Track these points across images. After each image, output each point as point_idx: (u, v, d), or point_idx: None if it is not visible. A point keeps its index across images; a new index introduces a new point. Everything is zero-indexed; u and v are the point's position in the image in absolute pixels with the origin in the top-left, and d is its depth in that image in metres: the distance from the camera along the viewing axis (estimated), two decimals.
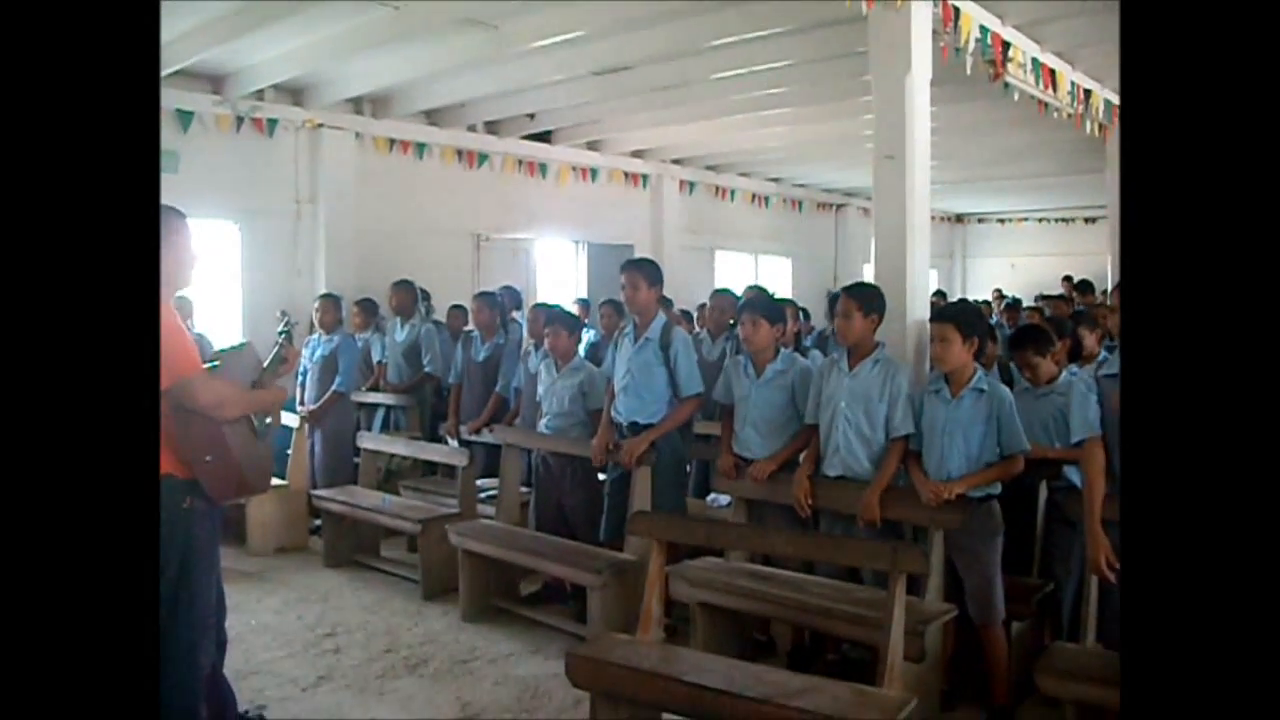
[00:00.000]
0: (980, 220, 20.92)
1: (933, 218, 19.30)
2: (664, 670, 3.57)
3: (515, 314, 8.39)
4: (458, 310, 8.79)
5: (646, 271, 5.32)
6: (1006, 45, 6.59)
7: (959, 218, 20.92)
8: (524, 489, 6.15)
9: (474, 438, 6.77)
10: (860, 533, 4.30)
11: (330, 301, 7.79)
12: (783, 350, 4.90)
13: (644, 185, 13.09)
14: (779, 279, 15.96)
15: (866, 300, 4.53)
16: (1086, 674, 3.53)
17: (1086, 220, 18.03)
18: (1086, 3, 6.43)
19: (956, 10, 5.77)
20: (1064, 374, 4.72)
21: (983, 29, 6.20)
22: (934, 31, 5.57)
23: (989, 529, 4.19)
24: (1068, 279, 13.10)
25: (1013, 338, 5.22)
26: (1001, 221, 20.62)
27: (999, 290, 16.47)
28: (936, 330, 4.29)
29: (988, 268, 20.36)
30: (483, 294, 7.47)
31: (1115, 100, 8.89)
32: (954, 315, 4.38)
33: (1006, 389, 4.36)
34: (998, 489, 4.26)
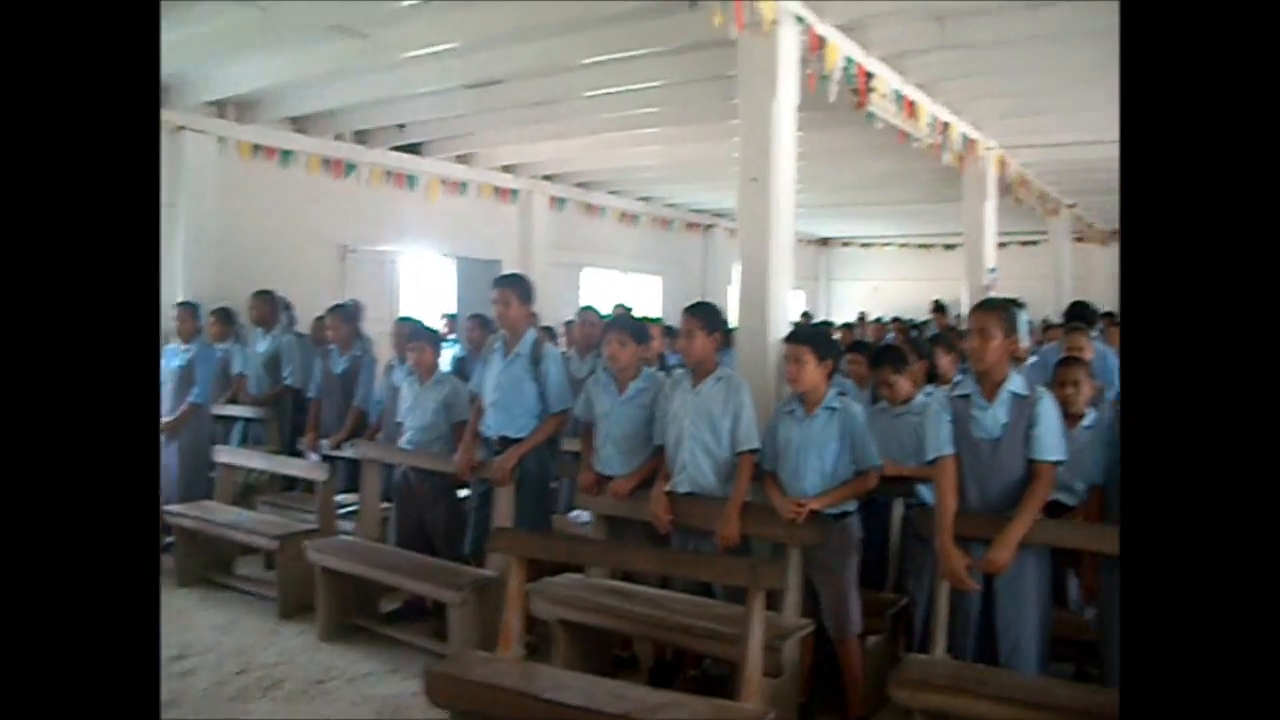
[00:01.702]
0: (845, 244, 21.45)
1: (798, 240, 19.66)
2: (524, 688, 3.56)
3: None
4: (321, 322, 8.62)
5: (519, 288, 5.31)
6: (870, 75, 6.77)
7: (824, 241, 21.41)
8: (384, 504, 6.05)
9: (334, 452, 6.63)
10: (713, 548, 4.35)
11: (187, 310, 7.53)
12: (645, 369, 4.93)
13: (514, 200, 13.05)
14: (648, 297, 16.09)
15: (708, 319, 4.59)
16: (935, 684, 3.63)
17: (946, 247, 18.62)
18: (947, 38, 6.65)
19: (823, 39, 5.91)
20: (920, 394, 4.87)
21: (848, 59, 6.36)
22: (801, 59, 5.69)
23: (845, 545, 4.29)
24: (937, 303, 13.53)
25: (871, 357, 5.36)
26: (865, 246, 21.18)
27: (863, 313, 16.91)
28: (791, 351, 4.38)
29: (851, 290, 20.90)
30: (338, 307, 7.32)
31: (973, 134, 9.23)
32: (808, 337, 4.48)
33: (859, 407, 4.47)
34: (853, 506, 4.36)
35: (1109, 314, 12.59)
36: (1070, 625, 4.23)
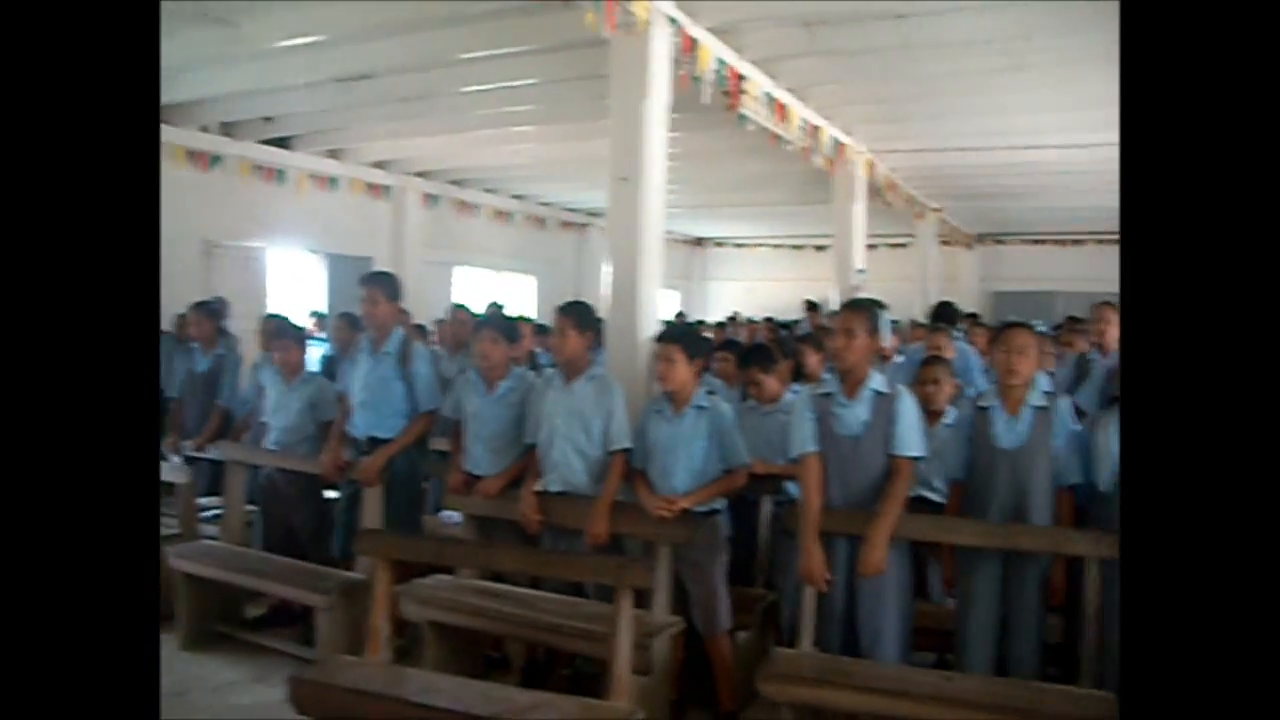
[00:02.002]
0: (719, 244, 21.68)
1: (673, 240, 19.90)
2: (391, 692, 3.50)
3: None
4: (184, 319, 8.34)
5: (385, 286, 5.23)
6: (742, 78, 6.86)
7: (699, 241, 21.60)
8: (250, 507, 5.90)
9: (197, 454, 6.43)
10: (584, 548, 4.36)
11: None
12: (514, 368, 4.91)
13: (386, 197, 12.85)
14: (522, 296, 16.02)
15: (580, 318, 4.59)
16: (802, 677, 3.71)
17: (817, 248, 18.96)
18: (816, 44, 6.78)
19: (695, 41, 5.96)
20: (788, 393, 4.95)
21: (720, 61, 6.44)
22: (674, 60, 5.74)
23: (713, 543, 4.33)
24: (809, 302, 13.74)
25: (740, 357, 5.43)
26: (739, 246, 21.43)
27: (736, 312, 17.10)
28: (661, 350, 4.40)
29: (726, 290, 21.11)
30: (201, 304, 7.10)
31: (842, 138, 9.42)
32: (678, 336, 4.51)
33: (727, 406, 4.52)
34: (722, 504, 4.42)
35: (973, 315, 13.00)
36: (931, 615, 4.34)
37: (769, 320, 13.79)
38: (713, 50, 6.27)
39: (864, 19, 6.53)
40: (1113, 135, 9.43)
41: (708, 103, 6.47)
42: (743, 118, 7.37)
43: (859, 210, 10.24)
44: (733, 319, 15.27)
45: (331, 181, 11.81)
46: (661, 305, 5.55)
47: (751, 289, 20.59)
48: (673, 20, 5.63)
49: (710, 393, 4.55)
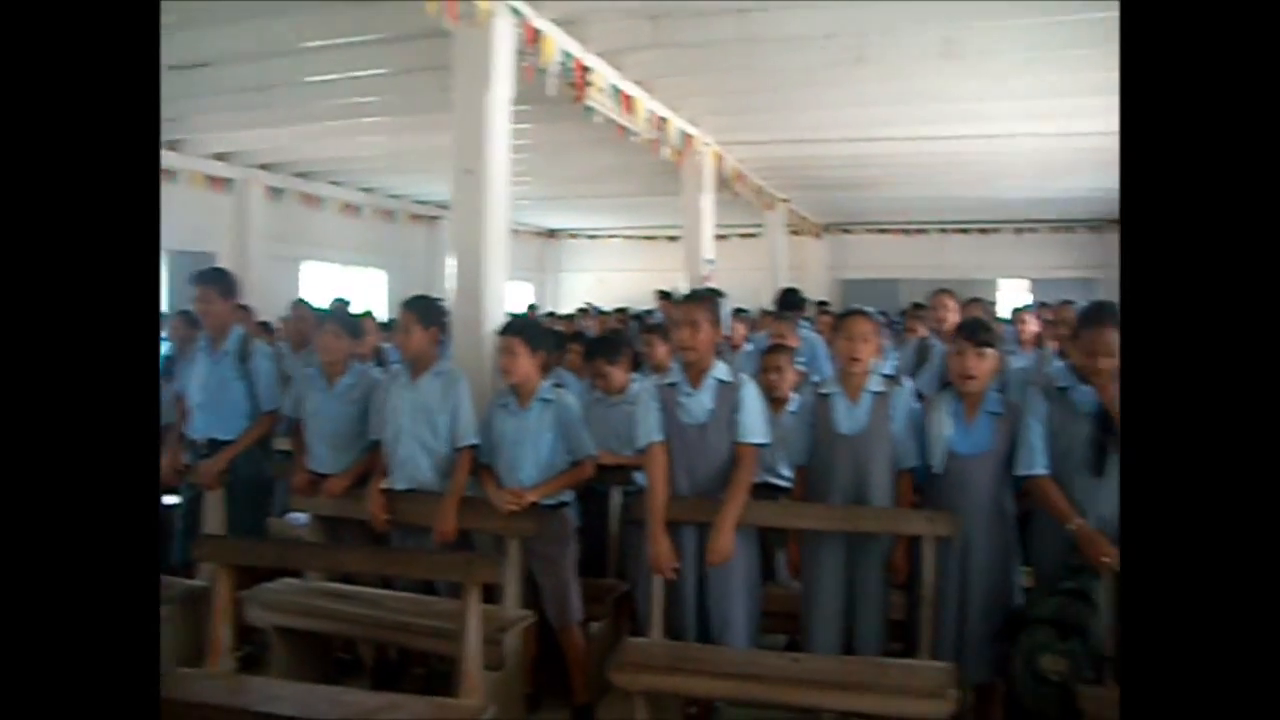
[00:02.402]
0: (572, 236, 21.67)
1: (526, 232, 19.79)
2: (233, 702, 3.41)
3: None
4: None
5: (219, 284, 5.08)
6: (587, 70, 6.85)
7: (551, 233, 21.54)
8: None
9: None
10: (433, 545, 4.31)
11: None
12: (355, 364, 4.82)
13: (228, 190, 12.40)
14: (373, 292, 15.72)
15: (425, 312, 4.54)
16: (653, 665, 3.74)
17: (669, 239, 19.06)
18: (660, 37, 6.82)
19: (539, 33, 5.94)
20: (634, 383, 4.99)
21: (565, 53, 6.42)
22: (518, 52, 5.70)
23: (562, 535, 4.34)
24: (660, 292, 13.81)
25: (585, 348, 5.44)
26: (592, 238, 21.45)
27: (589, 303, 17.11)
28: (503, 343, 4.39)
29: (579, 281, 21.10)
30: None
31: (689, 129, 9.50)
32: (520, 329, 4.49)
33: (572, 398, 4.53)
34: (570, 496, 4.42)
35: (822, 303, 13.28)
36: (780, 599, 4.43)
37: (619, 311, 13.83)
38: (557, 42, 6.24)
39: (707, 12, 6.60)
40: (947, 128, 9.82)
41: (554, 95, 6.46)
42: (589, 110, 7.37)
43: (707, 201, 10.35)
44: (584, 310, 15.27)
45: (169, 174, 11.34)
46: (511, 298, 5.52)
47: (605, 280, 20.62)
48: (516, 11, 5.60)
49: (557, 385, 4.55)
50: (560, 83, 6.49)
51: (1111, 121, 9.42)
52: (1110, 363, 3.65)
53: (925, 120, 9.58)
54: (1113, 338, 3.64)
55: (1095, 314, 3.79)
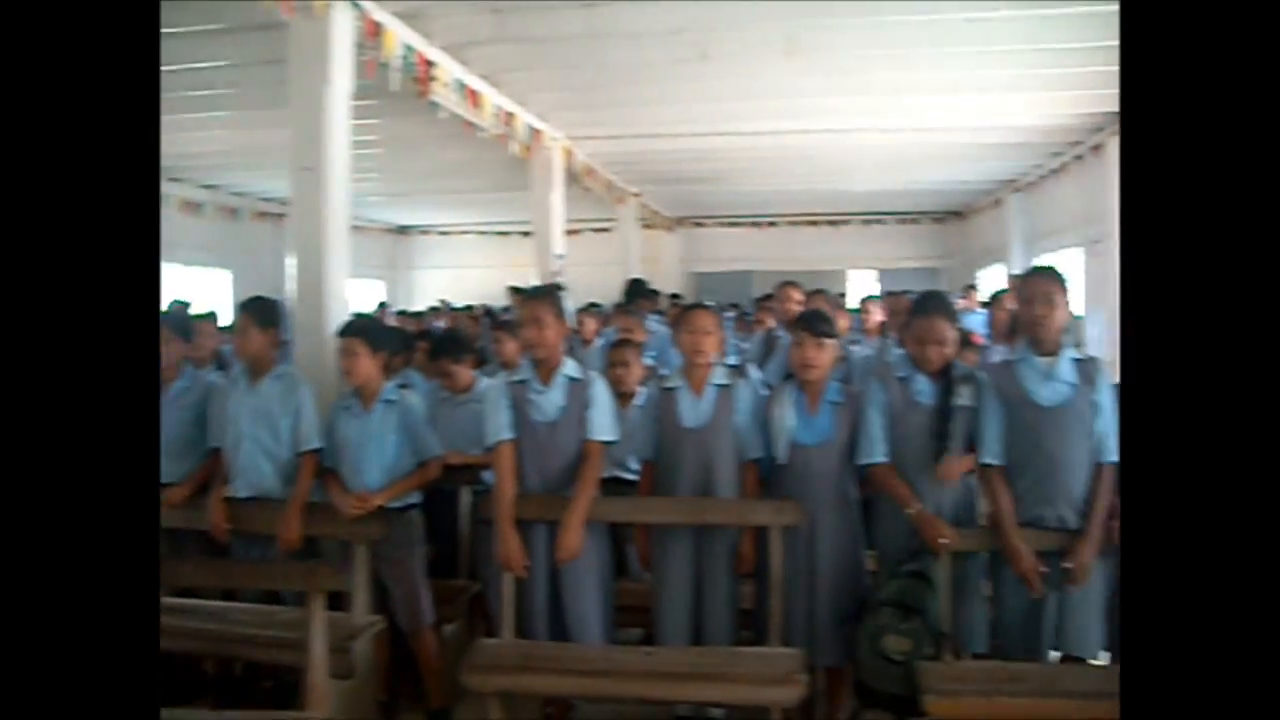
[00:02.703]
0: (424, 232, 21.31)
1: (375, 229, 19.37)
2: None
3: None
4: None
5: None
6: (431, 64, 6.75)
7: (403, 229, 21.18)
8: None
9: None
10: (278, 554, 4.18)
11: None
12: (188, 368, 4.65)
13: None
14: (217, 292, 15.20)
15: (262, 314, 4.41)
16: (505, 666, 3.71)
17: (523, 234, 18.90)
18: (505, 30, 6.75)
19: (379, 26, 5.82)
20: (481, 381, 4.94)
21: (407, 47, 6.31)
22: (358, 45, 5.58)
23: (410, 538, 4.27)
24: (513, 288, 13.71)
25: (432, 347, 5.35)
26: (444, 234, 21.14)
27: (443, 300, 16.89)
28: (344, 345, 4.28)
29: (432, 279, 20.79)
30: None
31: (538, 124, 9.45)
32: (360, 329, 4.37)
33: (417, 398, 4.46)
34: (417, 498, 4.36)
35: (675, 296, 13.37)
36: (634, 593, 4.44)
37: (469, 309, 13.66)
38: (399, 35, 6.14)
39: (553, 6, 6.55)
40: (793, 123, 10.00)
41: (397, 90, 6.35)
42: (435, 105, 7.27)
43: (557, 197, 10.31)
44: (436, 308, 15.06)
45: None
46: (358, 297, 5.39)
47: (459, 276, 20.36)
48: (355, 3, 5.47)
49: (402, 385, 4.48)
50: (403, 77, 6.38)
51: (949, 118, 9.81)
52: (938, 350, 3.76)
53: (771, 115, 9.74)
54: (941, 326, 3.75)
55: (925, 303, 3.91)
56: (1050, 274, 3.83)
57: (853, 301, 9.92)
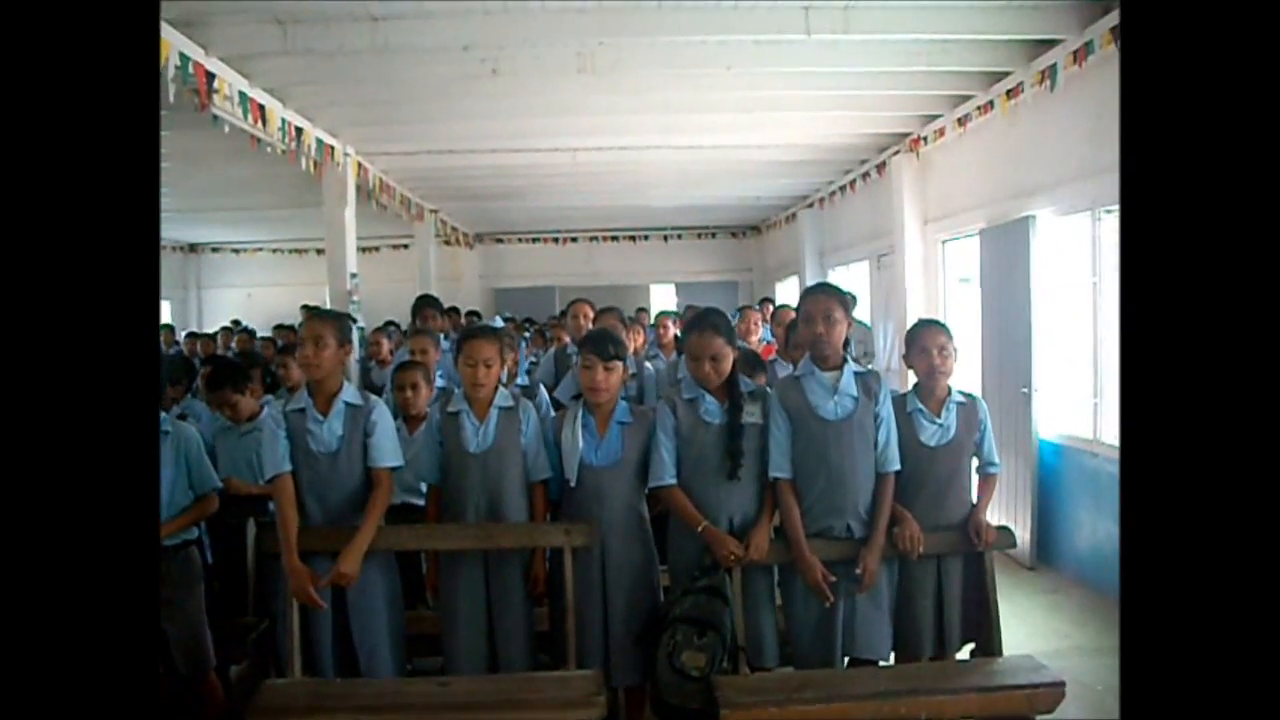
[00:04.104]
0: (215, 250, 20.48)
1: (165, 247, 18.48)
2: None
3: None
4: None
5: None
6: (211, 76, 6.48)
7: (193, 247, 20.32)
8: None
9: None
10: None
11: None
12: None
13: None
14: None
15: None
16: (294, 707, 3.54)
17: (318, 251, 18.42)
18: (290, 44, 6.51)
19: None
20: (265, 410, 4.74)
21: (183, 57, 6.04)
22: None
23: (188, 576, 4.06)
24: (306, 307, 13.32)
25: (209, 379, 5.08)
26: (237, 252, 20.37)
27: (236, 320, 16.27)
28: None
29: (225, 298, 20.04)
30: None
31: (329, 140, 9.20)
32: None
33: (192, 429, 4.24)
34: (194, 534, 4.15)
35: (473, 313, 13.23)
36: (425, 622, 4.34)
37: (246, 331, 13.09)
38: (174, 44, 5.87)
39: (339, 19, 6.37)
40: (588, 140, 10.06)
41: (172, 103, 6.06)
42: (216, 119, 6.99)
43: (349, 214, 10.04)
44: (229, 329, 14.46)
45: None
46: None
47: (253, 295, 19.72)
48: None
49: (180, 416, 4.26)
50: (181, 89, 6.09)
51: (741, 136, 10.06)
52: (712, 365, 3.80)
53: (566, 132, 9.78)
54: (715, 342, 3.80)
55: (698, 321, 3.95)
56: (830, 291, 3.94)
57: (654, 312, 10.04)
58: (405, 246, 16.85)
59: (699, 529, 3.74)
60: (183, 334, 15.17)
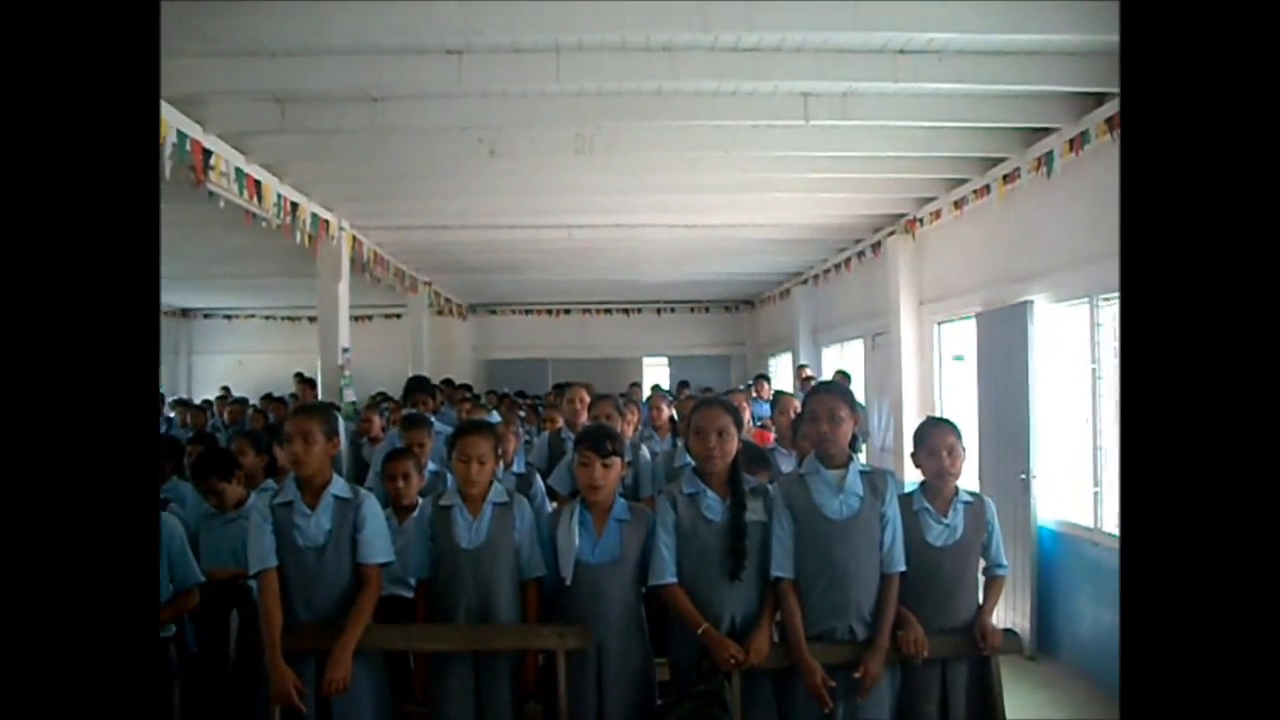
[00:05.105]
0: (207, 316, 20.42)
1: None
2: None
3: None
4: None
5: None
6: (208, 153, 6.47)
7: (185, 312, 20.25)
8: None
9: None
10: None
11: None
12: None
13: None
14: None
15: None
16: None
17: (310, 320, 18.33)
18: (288, 122, 6.51)
19: None
20: (252, 498, 4.63)
21: (180, 134, 6.02)
22: None
23: (166, 673, 3.93)
24: (299, 375, 13.22)
25: (195, 466, 4.96)
26: (229, 318, 20.33)
27: (226, 388, 16.17)
28: None
29: (216, 364, 19.93)
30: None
31: (324, 214, 9.20)
32: None
33: (175, 521, 4.11)
34: (172, 630, 4.02)
35: (464, 386, 13.04)
36: (416, 718, 4.20)
37: (238, 401, 12.78)
38: (171, 123, 5.85)
39: (338, 99, 6.40)
40: (583, 218, 10.08)
41: (168, 178, 6.03)
42: (212, 194, 6.97)
43: (343, 287, 9.99)
44: (222, 397, 14.36)
45: None
46: None
47: (245, 361, 19.64)
48: None
49: (164, 501, 4.15)
50: (177, 165, 6.07)
51: (736, 215, 10.09)
52: (718, 441, 3.72)
53: (561, 210, 9.80)
54: (721, 416, 3.73)
55: (704, 400, 3.88)
56: (834, 390, 3.87)
57: (647, 387, 9.93)
58: (398, 316, 16.81)
59: (699, 631, 3.62)
60: (171, 399, 15.04)
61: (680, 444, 5.73)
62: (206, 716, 4.22)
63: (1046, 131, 6.75)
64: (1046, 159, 6.75)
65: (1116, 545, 6.01)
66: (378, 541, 3.77)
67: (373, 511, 3.80)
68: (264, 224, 8.26)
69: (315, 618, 3.68)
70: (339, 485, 3.79)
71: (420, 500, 4.54)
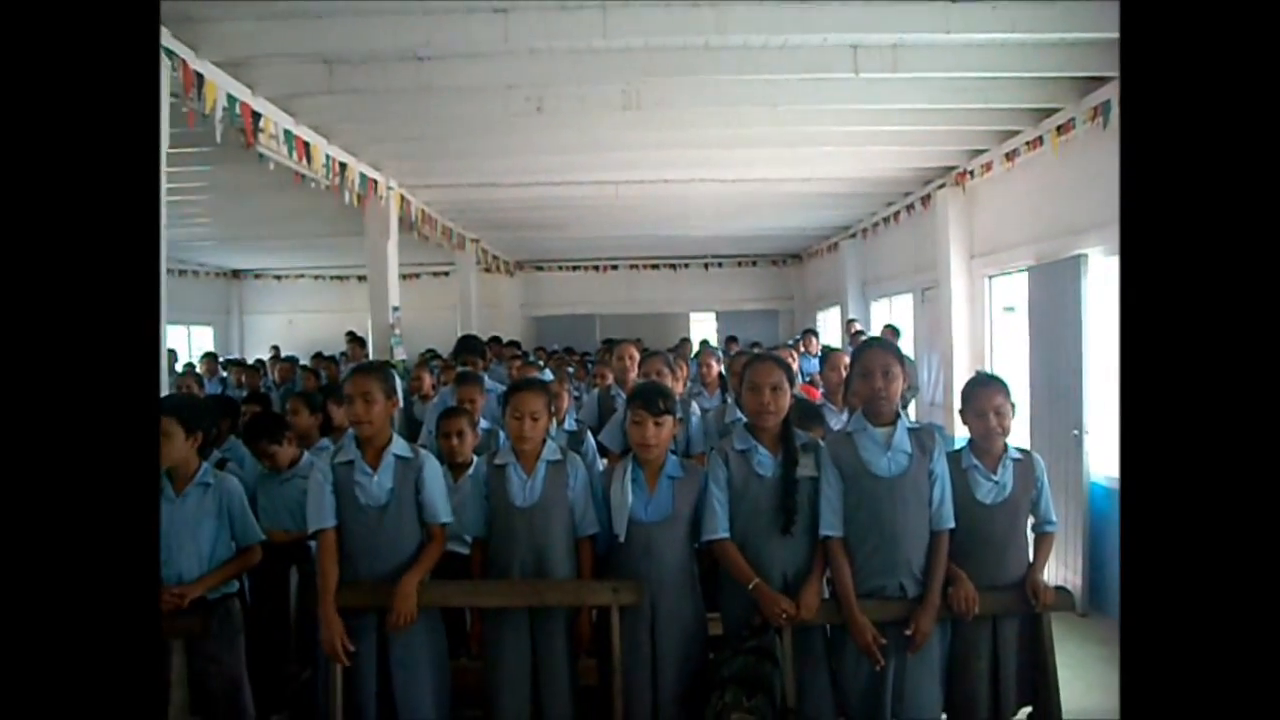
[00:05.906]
0: (257, 276, 20.62)
1: (206, 274, 18.67)
2: None
3: None
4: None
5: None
6: (257, 115, 6.52)
7: (236, 273, 20.47)
8: None
9: None
10: None
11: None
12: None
13: None
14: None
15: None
16: None
17: (360, 279, 18.49)
18: (336, 83, 6.53)
19: (200, 76, 5.58)
20: (305, 455, 4.71)
21: (231, 98, 6.08)
22: (176, 95, 5.34)
23: (229, 629, 4.01)
24: (350, 334, 13.33)
25: (246, 430, 5.02)
26: (279, 278, 20.50)
27: (276, 347, 16.37)
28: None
29: (267, 324, 20.14)
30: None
31: (372, 174, 9.25)
32: (172, 408, 4.06)
33: (235, 481, 4.17)
34: (235, 586, 4.10)
35: (513, 343, 13.11)
36: (469, 674, 4.26)
37: (289, 359, 12.71)
38: (220, 86, 5.90)
39: (384, 59, 6.40)
40: (630, 173, 10.05)
41: (219, 141, 6.10)
42: (262, 156, 7.02)
43: (392, 245, 10.08)
44: (275, 356, 14.49)
45: None
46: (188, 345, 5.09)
47: (295, 321, 19.82)
48: (171, 53, 5.23)
49: (223, 460, 4.22)
50: (228, 128, 6.13)
51: (783, 170, 10.02)
52: (767, 394, 3.73)
53: (609, 166, 9.76)
54: (774, 372, 3.75)
55: (758, 355, 3.87)
56: (886, 347, 3.85)
57: (695, 342, 9.89)
58: (446, 274, 16.89)
59: (750, 586, 3.65)
60: (223, 359, 15.24)
61: (730, 400, 5.74)
62: (268, 673, 4.30)
63: (1102, 81, 6.62)
64: (1103, 108, 6.62)
65: None
66: (441, 501, 3.83)
67: (433, 472, 3.86)
68: (313, 185, 8.32)
69: (375, 576, 3.75)
70: (399, 445, 3.84)
71: (475, 459, 4.60)
